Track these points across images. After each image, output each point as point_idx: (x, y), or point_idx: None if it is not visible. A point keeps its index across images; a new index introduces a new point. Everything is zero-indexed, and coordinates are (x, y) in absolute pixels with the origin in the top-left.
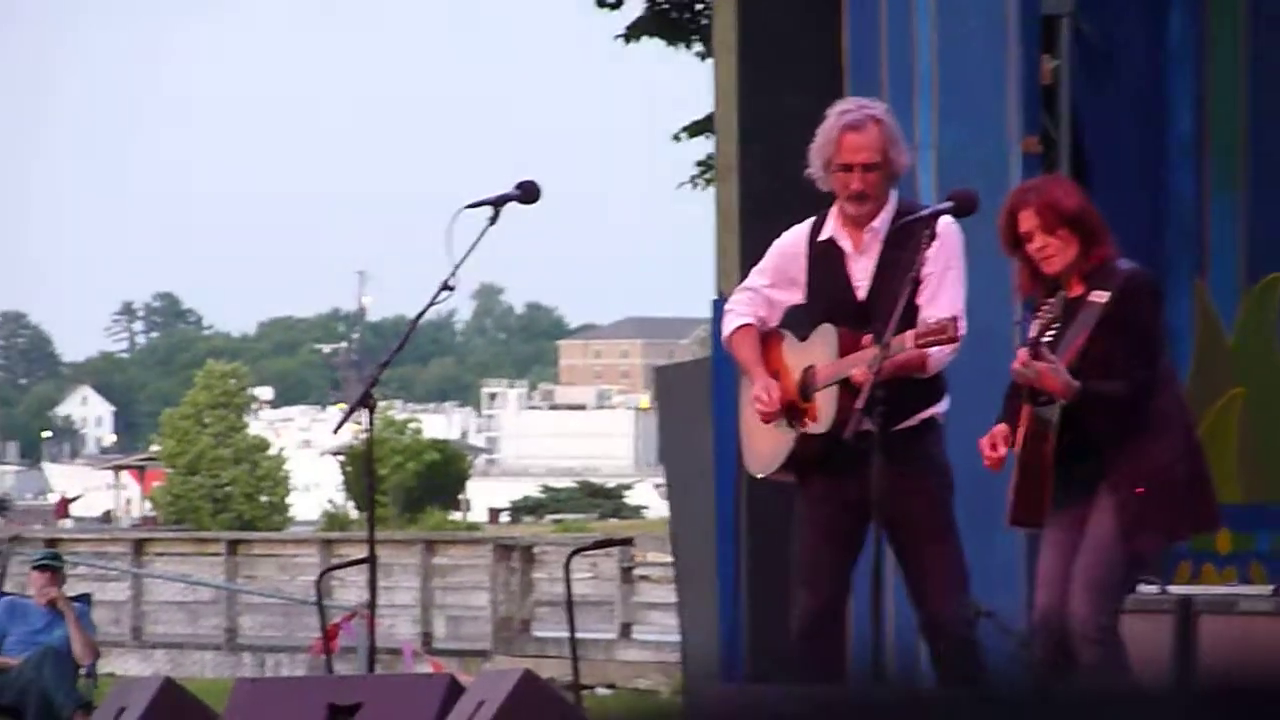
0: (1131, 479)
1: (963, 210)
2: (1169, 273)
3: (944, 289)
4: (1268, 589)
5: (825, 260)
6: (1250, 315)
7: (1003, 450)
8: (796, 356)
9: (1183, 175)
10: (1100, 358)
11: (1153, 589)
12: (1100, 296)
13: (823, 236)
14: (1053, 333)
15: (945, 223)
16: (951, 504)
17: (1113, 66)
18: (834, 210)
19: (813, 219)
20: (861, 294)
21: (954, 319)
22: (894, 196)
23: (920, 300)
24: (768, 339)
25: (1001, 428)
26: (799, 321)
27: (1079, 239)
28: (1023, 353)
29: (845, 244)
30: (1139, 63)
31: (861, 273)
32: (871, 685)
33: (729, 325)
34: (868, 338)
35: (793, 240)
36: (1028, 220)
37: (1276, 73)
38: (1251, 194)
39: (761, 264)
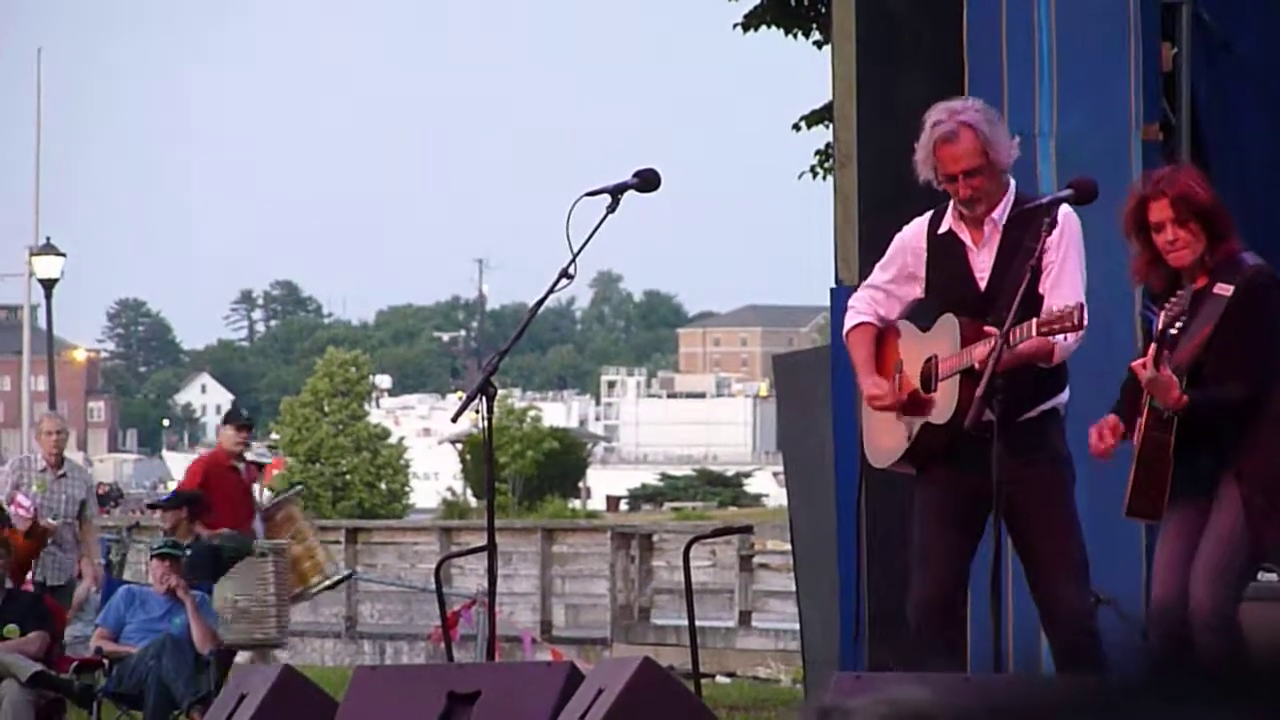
0: (1257, 472)
1: (1083, 198)
2: None
3: (1065, 276)
4: None
5: (946, 253)
6: None
7: (1110, 441)
8: (919, 347)
9: None
10: (1223, 351)
11: (1271, 577)
12: (1225, 290)
13: (942, 230)
14: (1179, 326)
15: (1064, 210)
16: (1073, 494)
17: (1233, 53)
18: (952, 203)
19: (931, 212)
20: (983, 285)
21: (1079, 306)
22: (1011, 185)
23: (1042, 288)
24: (884, 335)
25: (1112, 419)
26: (921, 313)
27: (1208, 233)
28: (1151, 351)
29: (965, 236)
30: (1259, 49)
31: (982, 264)
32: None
33: (848, 323)
34: (990, 327)
35: (913, 234)
36: (1160, 211)
37: None
38: None
39: (883, 260)
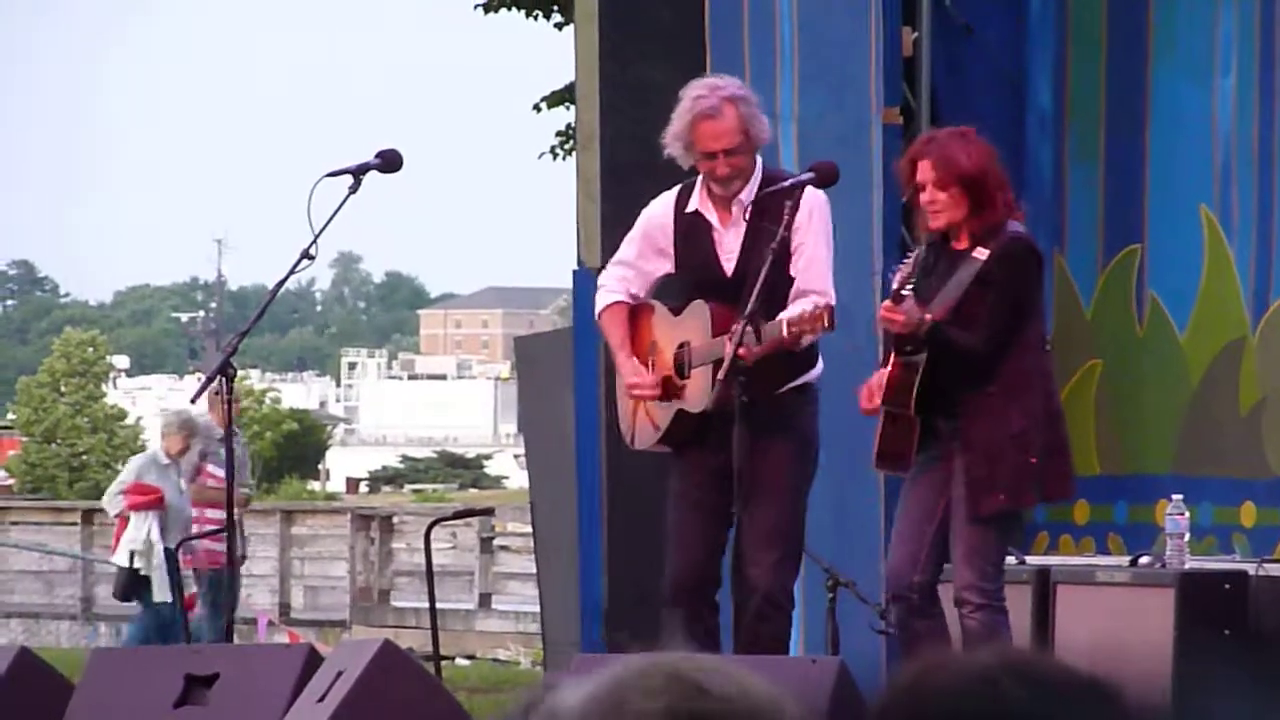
0: (979, 439)
1: (823, 182)
2: None
3: (815, 261)
4: (1124, 560)
5: (692, 233)
6: (1108, 287)
7: (878, 401)
8: (671, 331)
9: (1042, 148)
10: (972, 313)
11: (1010, 560)
12: (981, 254)
13: (689, 208)
14: (911, 286)
15: (811, 191)
16: (804, 472)
17: (973, 39)
18: (700, 180)
19: (679, 187)
20: (730, 268)
21: (828, 307)
22: (759, 165)
23: (792, 271)
24: (638, 313)
25: (877, 377)
26: (668, 291)
27: (969, 199)
28: (885, 304)
29: (712, 217)
30: (999, 35)
31: (729, 246)
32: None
33: (599, 303)
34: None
35: (660, 210)
36: (924, 171)
37: (1134, 46)
38: (1109, 167)
39: (630, 235)
